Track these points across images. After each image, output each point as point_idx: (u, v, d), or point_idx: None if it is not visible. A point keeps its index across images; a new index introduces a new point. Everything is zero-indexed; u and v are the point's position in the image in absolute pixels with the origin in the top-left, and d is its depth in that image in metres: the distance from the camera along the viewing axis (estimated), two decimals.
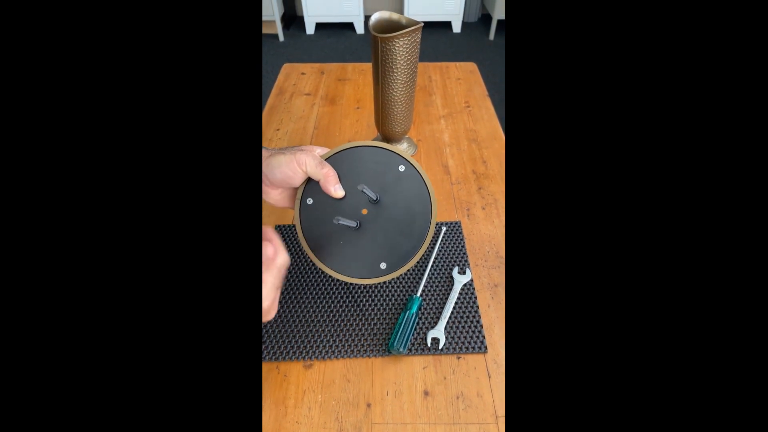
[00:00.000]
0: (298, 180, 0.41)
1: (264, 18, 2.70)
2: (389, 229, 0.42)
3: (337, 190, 0.40)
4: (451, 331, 0.46)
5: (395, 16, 0.58)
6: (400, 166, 0.42)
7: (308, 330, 0.46)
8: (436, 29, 2.91)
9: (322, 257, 0.43)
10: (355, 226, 0.41)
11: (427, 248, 0.54)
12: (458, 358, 0.44)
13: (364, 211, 0.42)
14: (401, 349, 0.43)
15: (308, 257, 0.52)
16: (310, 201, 0.42)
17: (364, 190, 0.40)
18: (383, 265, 0.42)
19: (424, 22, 0.55)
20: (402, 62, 0.57)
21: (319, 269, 0.50)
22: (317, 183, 0.41)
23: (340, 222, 0.40)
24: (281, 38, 2.84)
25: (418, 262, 0.53)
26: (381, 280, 0.42)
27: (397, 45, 0.55)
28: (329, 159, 0.42)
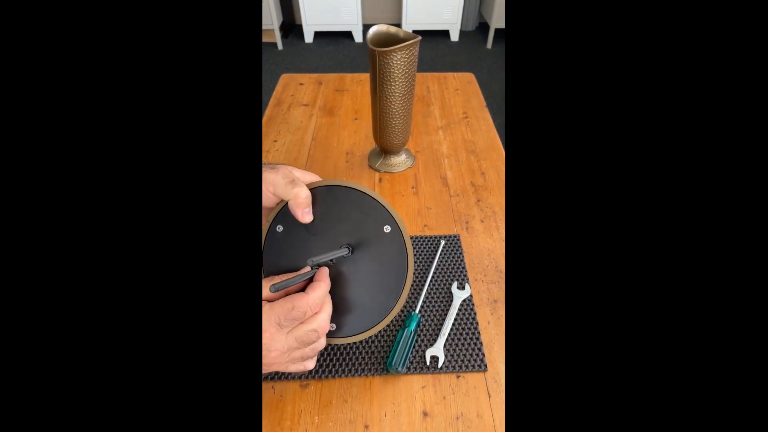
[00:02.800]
0: (270, 202, 0.37)
1: (263, 27, 2.71)
2: (351, 292, 0.37)
3: (305, 215, 0.36)
4: (451, 348, 0.45)
5: (393, 29, 0.57)
6: (385, 227, 0.37)
7: None
8: (434, 37, 2.93)
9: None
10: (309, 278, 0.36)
11: (427, 266, 0.54)
12: (458, 377, 0.43)
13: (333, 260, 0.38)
14: (400, 368, 0.42)
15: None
16: (279, 228, 0.38)
17: (313, 264, 0.36)
18: (332, 326, 0.37)
19: (423, 31, 0.55)
20: (400, 75, 0.57)
21: None
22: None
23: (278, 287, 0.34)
24: (280, 46, 2.85)
25: (416, 277, 0.52)
26: (327, 342, 0.37)
27: (395, 58, 0.54)
28: (316, 188, 0.38)
